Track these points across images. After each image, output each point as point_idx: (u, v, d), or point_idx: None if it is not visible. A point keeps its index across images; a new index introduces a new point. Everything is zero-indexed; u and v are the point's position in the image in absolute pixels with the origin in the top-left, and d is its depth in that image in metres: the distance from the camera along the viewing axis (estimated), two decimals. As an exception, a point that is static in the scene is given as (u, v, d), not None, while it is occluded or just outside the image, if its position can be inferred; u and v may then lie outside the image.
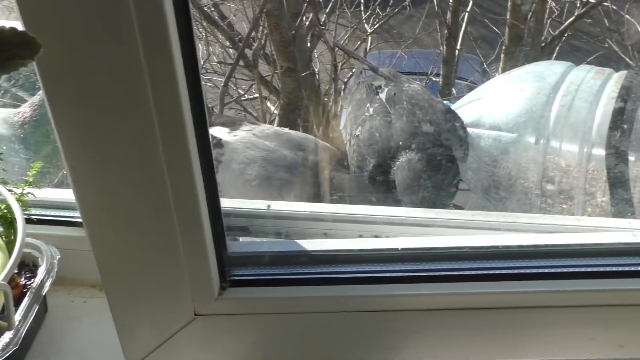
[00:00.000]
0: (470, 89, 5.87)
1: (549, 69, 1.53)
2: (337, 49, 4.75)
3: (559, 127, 1.42)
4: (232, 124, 1.51)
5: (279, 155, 1.43)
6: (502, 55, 4.39)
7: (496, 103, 1.49)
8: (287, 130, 1.57)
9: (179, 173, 0.78)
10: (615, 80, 1.46)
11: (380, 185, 1.38)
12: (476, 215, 1.15)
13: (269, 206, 1.12)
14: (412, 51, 5.82)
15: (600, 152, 1.37)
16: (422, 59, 5.60)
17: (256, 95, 4.48)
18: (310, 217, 1.17)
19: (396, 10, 5.25)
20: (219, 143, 1.44)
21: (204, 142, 0.80)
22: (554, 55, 4.35)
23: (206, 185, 0.83)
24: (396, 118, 1.45)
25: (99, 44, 0.67)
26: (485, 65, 5.36)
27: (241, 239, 1.14)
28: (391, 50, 5.73)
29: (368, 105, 1.50)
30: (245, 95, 4.80)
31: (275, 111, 4.39)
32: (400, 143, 1.41)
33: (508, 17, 4.17)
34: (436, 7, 4.90)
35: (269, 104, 4.61)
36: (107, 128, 0.73)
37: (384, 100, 1.50)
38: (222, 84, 3.24)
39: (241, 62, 4.28)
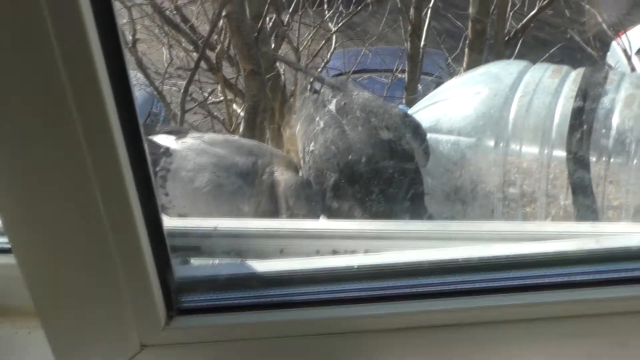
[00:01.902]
0: (437, 84, 5.90)
1: (505, 70, 1.50)
2: (301, 48, 4.72)
3: (518, 129, 1.39)
4: (179, 132, 1.47)
5: (231, 162, 1.39)
6: (466, 50, 4.38)
7: (453, 107, 1.47)
8: (237, 137, 1.53)
9: (111, 193, 0.73)
10: (573, 78, 1.43)
11: (342, 198, 1.34)
12: (436, 225, 1.10)
13: (215, 228, 1.06)
14: (377, 48, 5.81)
15: (561, 153, 1.35)
16: (387, 56, 5.59)
17: (222, 98, 4.43)
18: (265, 234, 1.13)
19: (359, 7, 5.24)
20: (167, 151, 1.40)
21: (139, 156, 0.74)
22: (517, 47, 4.35)
23: (145, 205, 0.78)
24: (350, 128, 1.41)
25: (14, 54, 0.62)
26: (450, 60, 5.36)
27: (192, 259, 1.08)
28: (356, 48, 5.72)
29: (317, 118, 1.46)
30: (211, 99, 4.74)
31: (242, 114, 4.35)
32: (360, 152, 1.37)
33: (471, 11, 4.16)
34: (399, 3, 4.89)
35: (235, 106, 4.57)
36: (30, 148, 0.68)
37: (334, 111, 1.46)
38: (182, 90, 3.17)
39: (205, 66, 4.23)
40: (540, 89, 1.42)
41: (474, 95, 1.45)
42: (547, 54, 4.72)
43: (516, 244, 0.98)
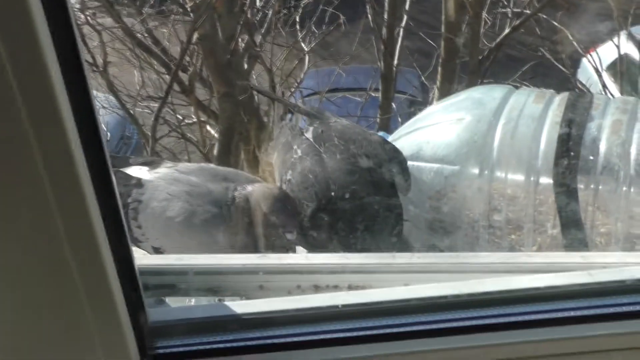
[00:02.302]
0: (411, 102, 5.89)
1: (488, 95, 1.49)
2: (274, 69, 4.70)
3: (503, 155, 1.37)
4: (152, 163, 1.43)
5: (205, 189, 1.35)
6: (439, 68, 4.38)
7: (435, 133, 1.45)
8: (212, 165, 1.49)
9: (77, 232, 0.69)
10: (557, 103, 1.42)
11: (321, 229, 1.31)
12: (421, 258, 1.07)
13: (195, 272, 1.02)
14: (350, 67, 5.80)
15: (547, 180, 1.33)
16: (360, 75, 5.58)
17: (195, 120, 4.40)
18: (244, 269, 1.09)
19: (332, 27, 5.23)
20: (139, 183, 1.36)
21: (106, 191, 0.70)
22: (490, 66, 4.36)
23: (114, 243, 0.73)
24: (329, 156, 1.39)
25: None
26: (423, 78, 5.37)
27: (167, 299, 1.04)
28: (329, 67, 5.71)
29: (295, 147, 1.44)
30: (185, 121, 4.70)
31: (216, 135, 4.32)
32: (338, 181, 1.35)
33: (443, 30, 4.17)
34: (371, 23, 4.89)
35: (209, 128, 4.53)
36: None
37: (311, 139, 1.44)
38: (153, 118, 3.13)
39: (178, 88, 4.20)
40: (525, 114, 1.41)
41: (457, 121, 1.43)
42: (520, 72, 4.73)
43: (506, 277, 0.96)
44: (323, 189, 1.35)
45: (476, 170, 1.38)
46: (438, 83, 4.30)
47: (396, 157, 1.39)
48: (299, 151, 1.43)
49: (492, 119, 1.41)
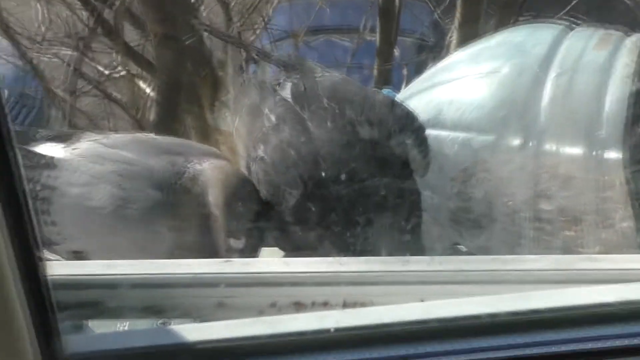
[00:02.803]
0: (419, 48, 5.92)
1: (533, 37, 1.52)
2: (232, 2, 4.70)
3: (554, 121, 1.39)
4: (68, 136, 1.42)
5: (142, 167, 1.35)
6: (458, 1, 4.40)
7: (460, 91, 1.48)
8: (151, 135, 1.49)
9: None
10: (629, 48, 1.44)
11: (308, 224, 1.32)
12: (443, 263, 1.07)
13: (130, 285, 1.02)
14: (336, 0, 5.81)
15: (615, 154, 1.35)
16: (351, 10, 5.59)
17: (123, 72, 4.39)
18: (198, 281, 1.09)
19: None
20: (51, 163, 1.35)
21: (6, 178, 0.72)
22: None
23: (17, 250, 0.74)
24: (316, 124, 1.40)
25: None
26: (438, 14, 5.39)
27: (91, 322, 1.04)
28: (307, 0, 5.72)
29: (266, 111, 1.45)
30: (109, 74, 4.69)
31: (152, 94, 4.32)
32: (332, 160, 1.36)
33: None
34: None
35: (142, 84, 4.53)
36: None
37: (289, 99, 1.45)
38: (66, 71, 3.11)
39: (100, 29, 4.19)
40: (584, 64, 1.41)
41: (490, 74, 1.45)
42: (573, 3, 4.74)
43: (561, 290, 0.96)
44: (309, 170, 1.36)
45: (517, 142, 1.39)
46: (457, 21, 4.32)
47: (410, 124, 1.42)
48: (273, 117, 1.44)
49: (538, 71, 1.42)
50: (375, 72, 4.90)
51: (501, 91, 1.43)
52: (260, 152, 1.41)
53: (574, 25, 1.61)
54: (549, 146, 1.39)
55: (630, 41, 1.47)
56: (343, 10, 5.79)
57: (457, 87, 1.49)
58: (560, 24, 1.59)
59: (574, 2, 4.58)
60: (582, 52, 1.44)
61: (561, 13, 4.15)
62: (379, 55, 4.95)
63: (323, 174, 1.35)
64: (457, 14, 4.43)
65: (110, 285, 1.07)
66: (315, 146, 1.37)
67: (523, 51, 1.48)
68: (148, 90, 4.49)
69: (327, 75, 1.52)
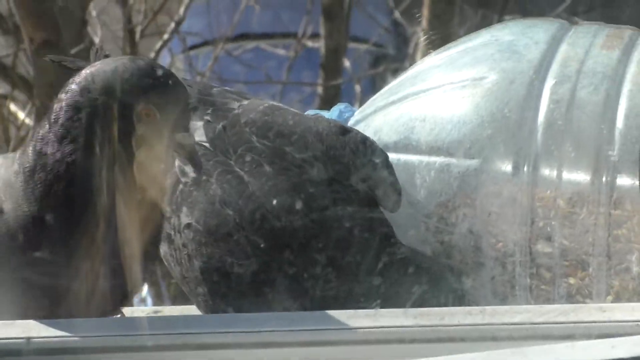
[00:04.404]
0: (376, 58, 5.94)
1: (525, 36, 1.52)
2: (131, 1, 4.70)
3: (554, 141, 1.41)
4: None
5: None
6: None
7: (436, 105, 1.48)
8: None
9: None
10: None
11: (267, 296, 1.36)
12: (420, 317, 1.11)
13: (29, 339, 1.05)
14: (268, -2, 5.80)
15: (630, 180, 1.36)
16: (286, 11, 5.59)
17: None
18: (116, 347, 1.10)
19: None
20: None
21: None
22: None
23: None
24: (250, 171, 1.41)
25: None
26: (398, 15, 5.41)
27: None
28: (232, -1, 5.71)
29: (177, 162, 1.44)
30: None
31: (28, 120, 4.30)
32: (283, 212, 1.38)
33: None
34: None
35: (13, 107, 4.52)
36: None
37: (206, 144, 1.45)
38: None
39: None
40: (589, 68, 1.42)
41: (473, 83, 1.46)
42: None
43: (565, 345, 1.00)
44: (258, 231, 1.38)
45: (508, 167, 1.41)
46: (424, 21, 4.36)
47: (370, 153, 1.43)
48: (188, 168, 1.46)
49: (533, 78, 1.44)
50: (319, 89, 4.90)
51: (487, 104, 1.43)
52: (185, 217, 1.42)
53: (575, 21, 1.62)
54: (548, 172, 1.40)
55: None
56: (277, 10, 5.79)
57: (431, 101, 1.49)
58: (557, 20, 1.60)
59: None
60: (587, 53, 1.45)
61: (557, 11, 4.25)
62: (324, 68, 4.93)
63: (276, 234, 1.37)
64: (425, 13, 4.46)
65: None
66: (258, 199, 1.39)
67: (514, 53, 1.48)
68: (21, 115, 4.44)
69: (248, 104, 1.53)
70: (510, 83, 1.45)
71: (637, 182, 1.36)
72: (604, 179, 1.39)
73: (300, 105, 4.95)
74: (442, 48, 1.65)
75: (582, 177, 1.41)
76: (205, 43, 5.39)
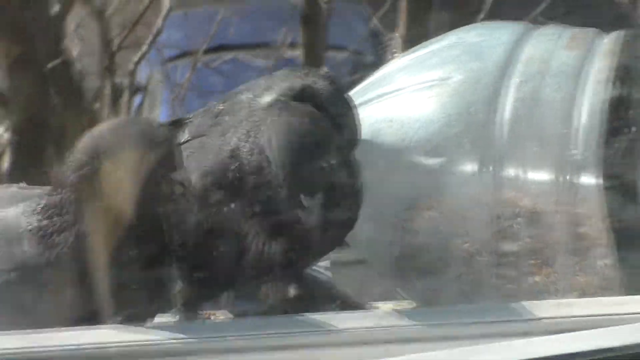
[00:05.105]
0: (355, 65, 5.92)
1: (490, 37, 1.54)
2: (109, 10, 4.70)
3: (518, 140, 1.42)
4: None
5: None
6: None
7: (402, 106, 1.49)
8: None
9: None
10: (607, 48, 1.46)
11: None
12: (385, 318, 1.12)
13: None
14: (247, 7, 5.80)
15: (592, 179, 1.38)
16: (264, 21, 5.59)
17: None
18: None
19: None
20: None
21: None
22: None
23: None
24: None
25: None
26: (376, 22, 5.40)
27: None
28: (208, 6, 5.69)
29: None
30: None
31: (7, 135, 4.29)
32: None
33: None
34: None
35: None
36: None
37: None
38: None
39: None
40: (553, 69, 1.43)
41: (439, 83, 1.47)
42: (543, 6, 4.81)
43: (527, 341, 1.01)
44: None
45: (474, 166, 1.42)
46: (402, 28, 4.36)
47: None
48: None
49: (498, 78, 1.45)
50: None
51: (454, 103, 1.44)
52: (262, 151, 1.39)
53: (539, 24, 1.64)
54: (512, 171, 1.42)
55: (609, 39, 1.49)
56: (255, 20, 5.77)
57: (398, 102, 1.50)
58: (523, 23, 1.63)
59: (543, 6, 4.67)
60: (550, 54, 1.47)
61: (529, 16, 4.24)
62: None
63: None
64: (403, 18, 4.47)
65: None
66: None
67: (479, 54, 1.50)
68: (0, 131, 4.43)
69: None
70: (476, 83, 1.46)
71: (599, 180, 1.37)
72: (567, 176, 1.40)
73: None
74: (409, 51, 1.65)
75: (546, 175, 1.42)
76: (184, 54, 5.36)
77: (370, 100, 1.52)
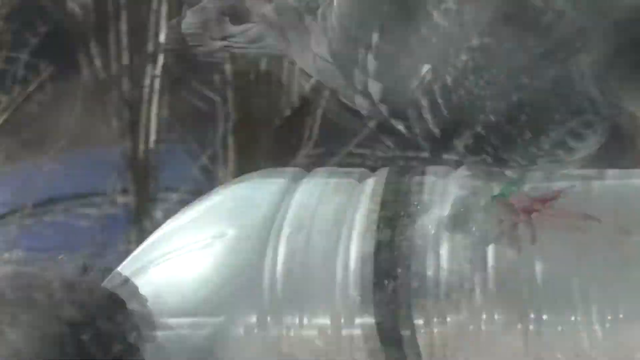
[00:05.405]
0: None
1: (262, 188, 1.56)
2: None
3: (294, 288, 1.44)
4: None
5: None
6: (230, 138, 4.44)
7: (181, 267, 1.50)
8: None
9: None
10: (372, 189, 1.50)
11: None
12: None
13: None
14: (72, 156, 5.72)
15: (367, 319, 1.40)
16: (88, 169, 5.53)
17: None
18: None
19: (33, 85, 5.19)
20: None
21: None
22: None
23: None
24: None
25: None
26: (207, 161, 5.38)
27: None
28: (24, 163, 5.62)
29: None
30: None
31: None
32: None
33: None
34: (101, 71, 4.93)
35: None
36: None
37: None
38: None
39: None
40: (320, 215, 1.47)
41: (213, 241, 1.49)
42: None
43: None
44: None
45: (253, 318, 1.43)
46: (231, 166, 4.37)
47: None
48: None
49: (269, 230, 1.48)
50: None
51: (228, 260, 1.45)
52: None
53: (308, 168, 1.66)
54: (292, 318, 1.43)
55: (374, 179, 1.54)
56: (83, 169, 5.68)
57: (176, 263, 1.50)
58: (294, 169, 1.65)
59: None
60: (319, 199, 1.50)
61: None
62: (136, 223, 4.88)
63: None
64: (231, 157, 4.47)
65: None
66: None
67: (250, 207, 1.52)
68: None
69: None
70: (247, 237, 1.47)
71: (373, 320, 1.40)
72: (342, 319, 1.42)
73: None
74: (187, 206, 1.64)
75: (322, 319, 1.43)
76: (13, 211, 5.28)
77: (149, 263, 1.50)
